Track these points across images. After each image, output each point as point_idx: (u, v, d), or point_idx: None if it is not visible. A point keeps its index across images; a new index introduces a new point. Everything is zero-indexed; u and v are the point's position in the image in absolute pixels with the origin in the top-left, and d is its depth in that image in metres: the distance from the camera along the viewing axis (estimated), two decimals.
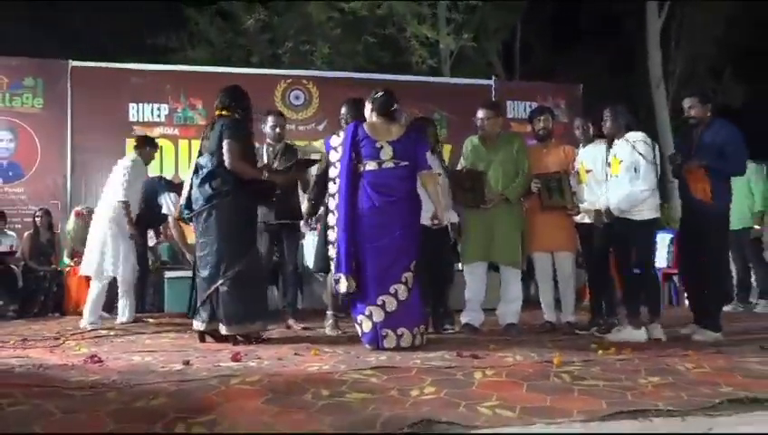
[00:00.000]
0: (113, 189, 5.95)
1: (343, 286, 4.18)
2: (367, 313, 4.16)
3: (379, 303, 4.14)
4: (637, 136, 4.67)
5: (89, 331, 5.31)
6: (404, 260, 4.20)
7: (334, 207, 4.32)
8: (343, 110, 5.10)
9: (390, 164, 4.27)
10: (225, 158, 4.45)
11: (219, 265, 4.46)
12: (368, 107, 4.49)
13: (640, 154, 4.55)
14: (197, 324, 4.59)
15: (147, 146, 6.33)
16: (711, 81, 15.99)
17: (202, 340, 4.58)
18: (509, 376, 2.99)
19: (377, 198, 4.21)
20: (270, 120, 5.74)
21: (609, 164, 4.78)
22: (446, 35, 14.09)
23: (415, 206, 4.36)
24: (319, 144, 4.78)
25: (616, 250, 4.92)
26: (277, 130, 5.68)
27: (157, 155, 7.99)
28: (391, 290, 4.15)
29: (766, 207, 6.95)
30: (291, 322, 5.47)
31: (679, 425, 2.36)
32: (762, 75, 15.19)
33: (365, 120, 4.51)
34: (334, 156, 4.36)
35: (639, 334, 4.53)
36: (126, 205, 5.86)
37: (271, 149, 5.63)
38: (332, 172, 4.37)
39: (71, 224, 7.44)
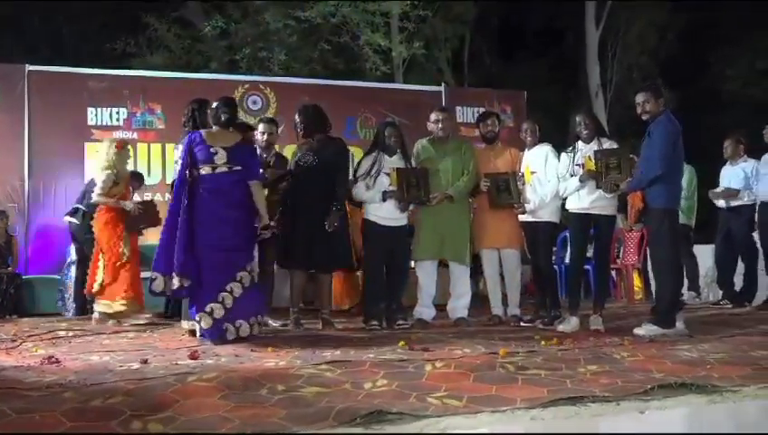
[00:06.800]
0: None
1: (176, 283, 4.29)
2: (208, 310, 4.28)
3: (219, 300, 4.31)
4: (611, 141, 4.92)
5: (47, 331, 5.19)
6: (239, 261, 4.42)
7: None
8: (298, 118, 5.22)
9: (224, 168, 4.43)
10: None
11: None
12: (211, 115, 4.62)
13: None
14: None
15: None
16: None
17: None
18: (457, 368, 3.03)
19: (212, 201, 4.38)
20: (260, 126, 5.72)
21: (581, 165, 4.88)
22: (399, 44, 14.22)
23: (250, 210, 4.53)
24: None
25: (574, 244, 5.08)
26: (265, 136, 5.65)
27: None
28: (227, 289, 4.34)
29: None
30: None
31: (614, 409, 2.48)
32: (688, 81, 15.87)
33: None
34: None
35: (575, 322, 4.77)
36: None
37: (265, 155, 5.59)
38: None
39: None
